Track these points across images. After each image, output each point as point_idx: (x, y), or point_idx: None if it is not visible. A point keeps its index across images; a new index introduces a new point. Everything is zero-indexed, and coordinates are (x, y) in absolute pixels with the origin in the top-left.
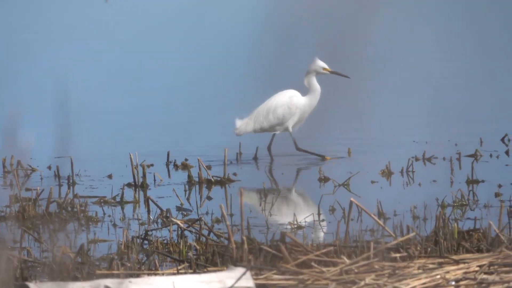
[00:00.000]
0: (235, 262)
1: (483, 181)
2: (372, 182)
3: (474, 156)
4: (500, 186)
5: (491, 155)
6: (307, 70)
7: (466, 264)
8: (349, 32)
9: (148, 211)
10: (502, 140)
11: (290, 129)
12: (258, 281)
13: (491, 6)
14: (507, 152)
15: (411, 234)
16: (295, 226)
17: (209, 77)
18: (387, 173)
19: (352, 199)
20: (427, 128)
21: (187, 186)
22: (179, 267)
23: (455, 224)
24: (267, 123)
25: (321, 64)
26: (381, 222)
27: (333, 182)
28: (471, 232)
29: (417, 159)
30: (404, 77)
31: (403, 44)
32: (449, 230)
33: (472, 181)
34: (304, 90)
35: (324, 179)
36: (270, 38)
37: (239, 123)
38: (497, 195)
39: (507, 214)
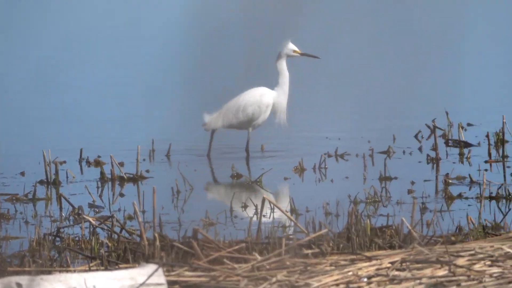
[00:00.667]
0: (147, 259)
1: (395, 178)
2: (285, 178)
3: (387, 152)
4: (412, 182)
5: (404, 152)
6: (278, 53)
7: (379, 261)
8: (277, 28)
9: (60, 208)
10: (415, 136)
11: (255, 127)
12: (170, 278)
13: (415, 5)
14: (420, 149)
15: (323, 231)
16: (207, 222)
17: (137, 75)
18: (300, 170)
19: (264, 195)
20: (340, 124)
21: (99, 183)
22: (90, 264)
23: (368, 221)
24: (236, 120)
25: (292, 47)
26: (293, 219)
27: (245, 178)
28: (383, 229)
29: (329, 156)
30: (321, 74)
31: (324, 41)
32: (362, 227)
33: (384, 178)
34: (269, 84)
35: (237, 176)
36: (200, 36)
37: (207, 118)
38: (409, 191)
39: (419, 210)
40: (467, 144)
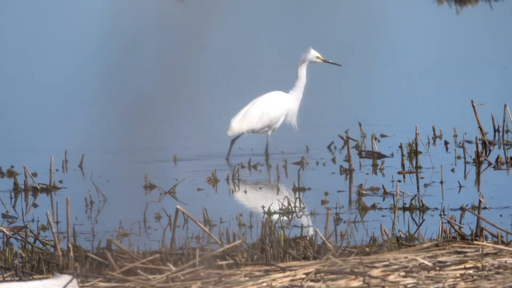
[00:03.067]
0: (61, 269)
1: (309, 189)
2: (198, 189)
3: (300, 163)
4: (326, 193)
5: (317, 163)
6: (300, 59)
7: (293, 272)
8: (190, 36)
9: None
10: (329, 147)
11: (274, 130)
12: None
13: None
14: (333, 160)
15: (237, 242)
16: (121, 233)
17: (51, 84)
18: (213, 180)
19: (178, 206)
20: (253, 135)
21: (12, 194)
22: (5, 275)
23: (282, 232)
24: (260, 124)
25: (315, 53)
26: (207, 229)
27: (159, 189)
28: (297, 240)
29: (243, 166)
30: (235, 81)
31: (239, 48)
32: (276, 238)
33: (298, 189)
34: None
35: (150, 187)
36: (116, 43)
37: (233, 123)
38: (323, 202)
39: (333, 221)
40: (380, 155)
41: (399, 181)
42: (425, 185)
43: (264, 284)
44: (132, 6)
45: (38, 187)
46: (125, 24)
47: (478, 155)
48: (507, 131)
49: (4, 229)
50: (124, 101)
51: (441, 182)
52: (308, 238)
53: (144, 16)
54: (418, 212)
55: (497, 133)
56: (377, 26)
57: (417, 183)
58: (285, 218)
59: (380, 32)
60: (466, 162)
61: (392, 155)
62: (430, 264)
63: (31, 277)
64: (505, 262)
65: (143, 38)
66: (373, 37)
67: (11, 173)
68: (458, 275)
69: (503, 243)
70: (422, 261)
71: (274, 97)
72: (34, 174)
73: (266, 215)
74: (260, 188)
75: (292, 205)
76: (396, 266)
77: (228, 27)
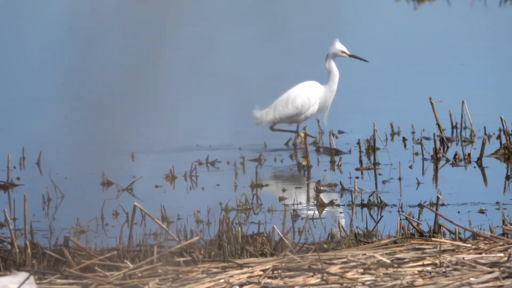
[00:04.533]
0: (18, 266)
1: (267, 185)
2: (156, 186)
3: (258, 160)
4: (284, 190)
5: (275, 159)
6: (327, 53)
7: (250, 268)
8: (158, 30)
9: None
10: (286, 144)
11: (303, 120)
12: (42, 286)
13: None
14: (291, 156)
15: (195, 238)
16: (79, 230)
17: (9, 80)
18: (171, 177)
19: (135, 203)
20: (212, 132)
21: None
22: None
23: (239, 228)
24: (286, 112)
25: (340, 47)
26: (164, 226)
27: (116, 186)
28: (255, 236)
29: (200, 163)
30: (192, 82)
31: (205, 48)
32: (233, 234)
33: (256, 185)
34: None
35: (107, 183)
36: (77, 42)
37: (258, 113)
38: (281, 199)
39: (291, 218)
40: (338, 152)
41: (357, 177)
42: (383, 182)
43: (222, 280)
44: (95, 3)
45: None
46: (86, 21)
47: (436, 151)
48: (465, 128)
49: None
50: (82, 98)
51: (399, 179)
52: (265, 234)
53: (105, 12)
54: (376, 208)
55: (455, 130)
56: (337, 22)
57: (375, 179)
58: (242, 214)
59: (339, 28)
60: (424, 159)
61: (350, 151)
62: (388, 261)
63: None
64: (463, 258)
65: (103, 34)
66: (333, 33)
67: None
68: (416, 272)
69: (460, 239)
70: (380, 258)
71: (305, 86)
72: None
73: (223, 212)
74: (218, 185)
75: (250, 201)
76: (354, 263)
77: (196, 24)
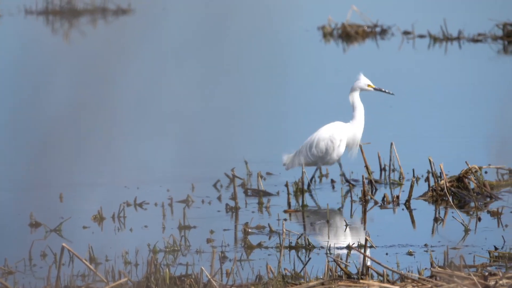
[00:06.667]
0: None
1: (195, 227)
2: (84, 227)
3: (186, 201)
4: (212, 232)
5: (203, 201)
6: (351, 87)
7: None
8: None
9: None
10: (214, 186)
11: (335, 161)
12: None
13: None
14: (219, 198)
15: (123, 280)
16: (6, 271)
17: None
18: (99, 218)
19: (63, 244)
20: (141, 172)
21: None
22: None
23: (167, 270)
24: (311, 156)
25: (366, 81)
26: (92, 267)
27: (44, 227)
28: (183, 278)
29: (128, 205)
30: (133, 122)
31: (149, 84)
32: (161, 276)
33: (184, 227)
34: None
35: (35, 224)
36: None
37: (285, 157)
38: (209, 240)
39: (219, 259)
40: (266, 193)
41: (285, 219)
42: (311, 224)
43: None
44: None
45: None
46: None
47: (364, 194)
48: (393, 170)
49: None
50: (12, 139)
51: (327, 221)
52: (193, 276)
53: (48, 50)
54: (304, 250)
55: (383, 172)
56: (269, 66)
57: (303, 221)
58: (170, 256)
59: (272, 71)
60: (352, 201)
61: (278, 193)
62: None
63: None
64: None
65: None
66: (261, 75)
67: None
68: None
69: (388, 281)
70: None
71: (328, 128)
72: None
73: (151, 253)
74: (146, 226)
75: (178, 243)
76: None
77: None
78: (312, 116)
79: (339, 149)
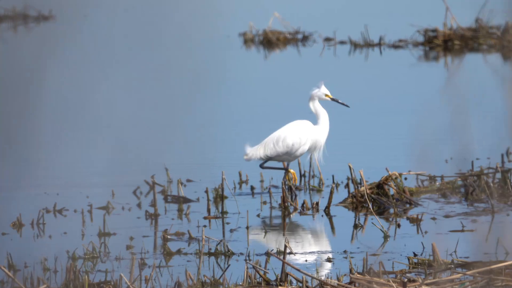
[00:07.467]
0: None
1: (114, 234)
2: (3, 234)
3: (106, 208)
4: (131, 238)
5: (123, 208)
6: (310, 95)
7: None
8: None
9: None
10: (134, 192)
11: (293, 160)
12: None
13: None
14: (139, 205)
15: (42, 287)
16: None
17: None
18: (18, 225)
19: None
20: (61, 179)
21: None
22: None
23: (86, 276)
24: (276, 151)
25: (324, 90)
26: (11, 274)
27: None
28: (102, 285)
29: (48, 211)
30: (77, 124)
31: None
32: (80, 283)
33: (103, 234)
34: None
35: None
36: None
37: (249, 149)
38: (128, 247)
39: (138, 266)
40: (186, 200)
41: (205, 226)
42: (231, 230)
43: None
44: None
45: None
46: None
47: (284, 200)
48: (313, 176)
49: None
50: None
51: (247, 227)
52: (112, 283)
53: None
54: (223, 257)
55: (303, 178)
56: (191, 75)
57: (223, 228)
58: (89, 263)
59: (195, 79)
60: (272, 207)
61: (198, 200)
62: None
63: None
64: None
65: None
66: (185, 83)
67: None
68: None
69: None
70: None
71: (296, 124)
72: None
73: (70, 260)
74: (65, 233)
75: (97, 250)
76: None
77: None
78: (234, 124)
79: (304, 147)
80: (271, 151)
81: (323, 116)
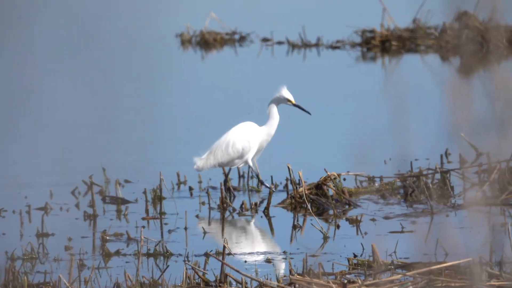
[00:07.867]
0: None
1: (53, 234)
2: None
3: (44, 209)
4: (70, 239)
5: (61, 208)
6: (272, 98)
7: None
8: None
9: None
10: (72, 193)
11: (250, 162)
12: None
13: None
14: (77, 205)
15: None
16: None
17: None
18: None
19: None
20: None
21: None
22: None
23: (25, 277)
24: (227, 157)
25: (287, 95)
26: None
27: None
28: (41, 286)
29: None
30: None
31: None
32: (19, 283)
33: (42, 234)
34: (260, 121)
35: None
36: None
37: (198, 160)
38: (67, 248)
39: (77, 267)
40: (125, 201)
41: (143, 227)
42: (169, 231)
43: None
44: None
45: None
46: None
47: (222, 201)
48: (252, 177)
49: None
50: None
51: (185, 228)
52: (51, 284)
53: None
54: (162, 258)
55: (242, 179)
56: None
57: (161, 229)
58: (28, 264)
59: (135, 79)
60: (210, 208)
61: (136, 200)
62: None
63: None
64: None
65: None
66: (127, 83)
67: None
68: None
69: None
70: None
71: (243, 127)
72: None
73: (9, 261)
74: (4, 234)
75: (36, 250)
76: None
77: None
78: (173, 124)
79: (253, 150)
80: (221, 159)
81: (274, 122)
